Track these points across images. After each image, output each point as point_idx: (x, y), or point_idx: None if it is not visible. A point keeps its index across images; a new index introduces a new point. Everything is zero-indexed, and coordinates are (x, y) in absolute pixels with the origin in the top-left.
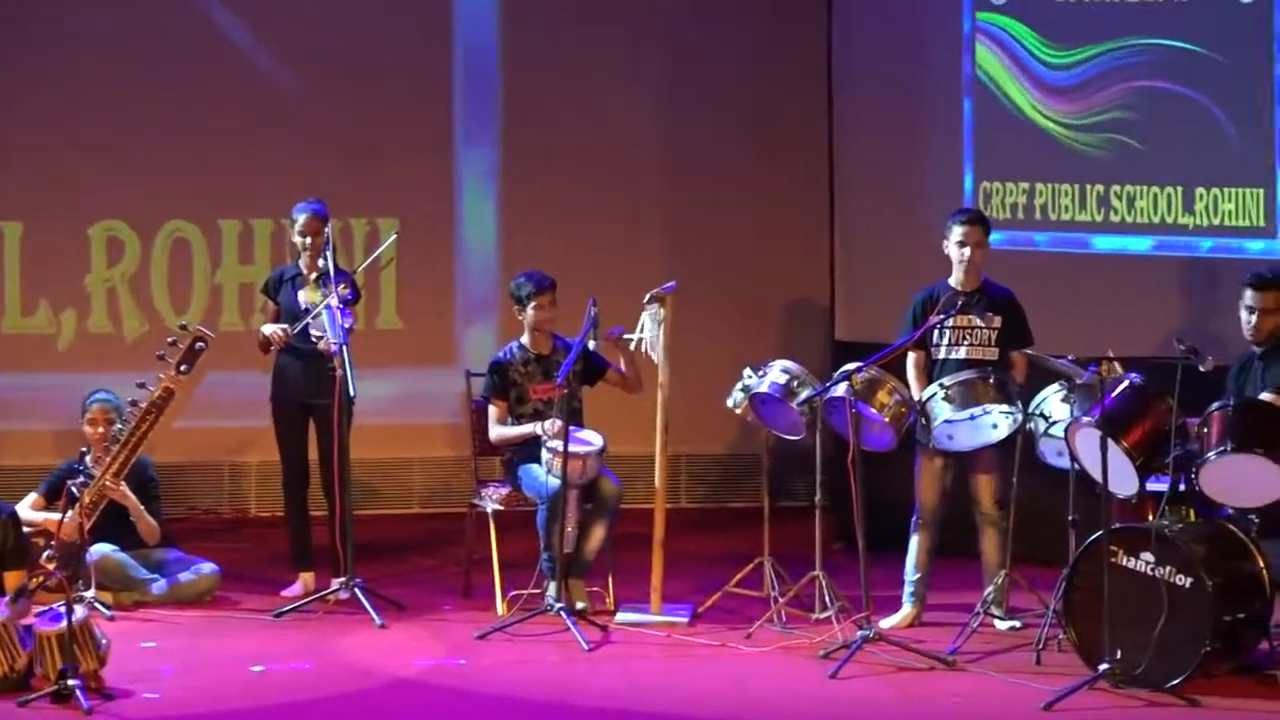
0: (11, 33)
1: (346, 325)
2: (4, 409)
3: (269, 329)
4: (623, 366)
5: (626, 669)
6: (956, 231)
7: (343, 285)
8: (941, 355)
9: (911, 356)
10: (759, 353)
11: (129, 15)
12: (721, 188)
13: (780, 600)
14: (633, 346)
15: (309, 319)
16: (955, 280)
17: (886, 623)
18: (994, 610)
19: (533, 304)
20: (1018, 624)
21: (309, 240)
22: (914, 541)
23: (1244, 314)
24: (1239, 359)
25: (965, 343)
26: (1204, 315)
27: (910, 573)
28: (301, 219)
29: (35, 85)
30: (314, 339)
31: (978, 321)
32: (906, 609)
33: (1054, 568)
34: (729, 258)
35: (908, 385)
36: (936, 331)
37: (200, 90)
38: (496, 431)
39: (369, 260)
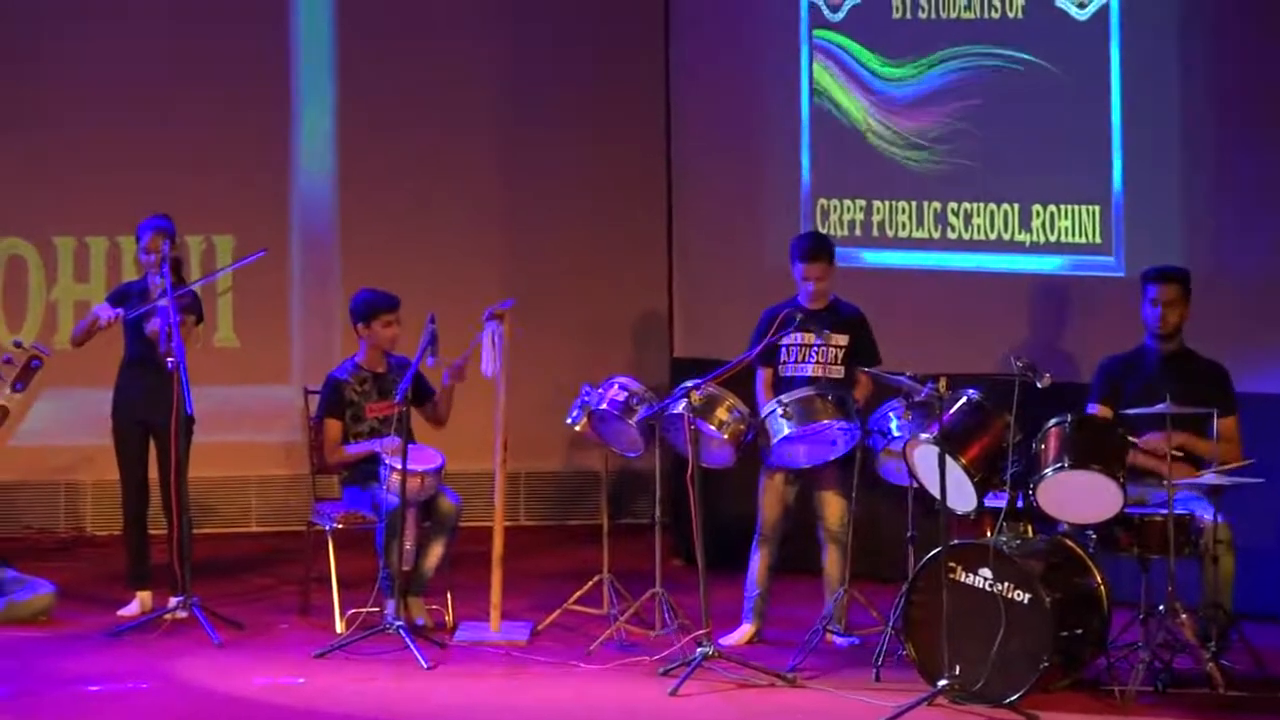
0: None
1: (178, 319)
2: None
3: (102, 309)
4: (440, 401)
5: (465, 687)
6: (798, 268)
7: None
8: (788, 373)
9: (762, 373)
10: (599, 369)
11: None
12: (560, 203)
13: (620, 618)
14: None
15: (143, 308)
16: (804, 299)
17: (727, 639)
18: (833, 627)
19: (379, 320)
20: (857, 640)
21: (154, 258)
22: (755, 558)
23: (1148, 310)
24: (1120, 359)
25: (810, 360)
26: (1042, 332)
27: (750, 589)
28: (147, 236)
29: None
30: (149, 330)
31: (821, 339)
32: (746, 625)
33: (893, 584)
34: (568, 274)
35: (757, 402)
36: (784, 349)
37: (34, 103)
38: (334, 450)
39: (234, 265)
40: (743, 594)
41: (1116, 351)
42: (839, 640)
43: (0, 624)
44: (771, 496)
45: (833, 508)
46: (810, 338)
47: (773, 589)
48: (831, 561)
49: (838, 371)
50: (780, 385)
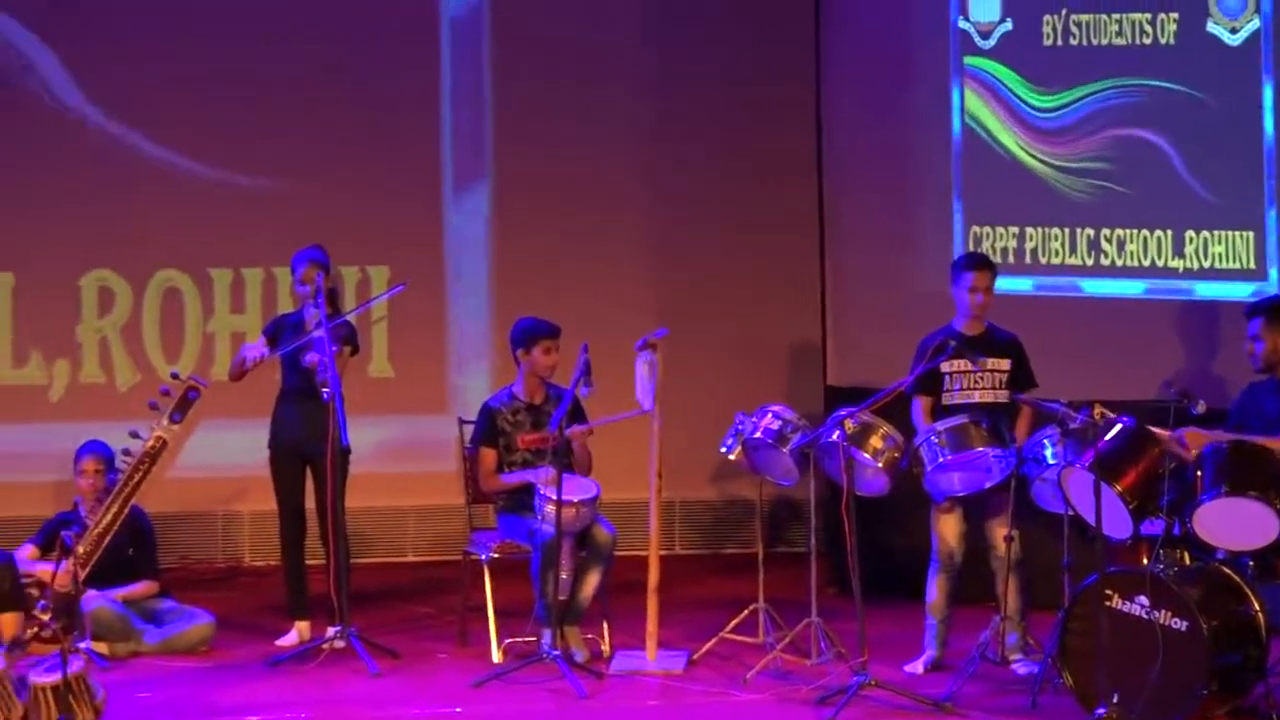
0: (4, 83)
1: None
2: None
3: (249, 349)
4: (577, 450)
5: (622, 716)
6: (966, 278)
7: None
8: (952, 400)
9: (919, 401)
10: (753, 398)
11: (114, 62)
12: (713, 233)
13: (776, 646)
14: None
15: (298, 342)
16: (961, 324)
17: (909, 667)
18: (1016, 655)
19: (540, 347)
20: (1037, 668)
21: (309, 289)
22: (933, 586)
23: (1246, 345)
24: (1242, 391)
25: (977, 387)
26: (1196, 358)
27: (932, 616)
28: (302, 267)
29: (23, 136)
30: (306, 363)
31: (978, 366)
32: (929, 653)
33: (1049, 612)
34: (722, 303)
35: (915, 429)
36: (946, 377)
37: (190, 139)
38: (489, 479)
39: (368, 303)
40: (902, 621)
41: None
42: (1019, 667)
43: (160, 654)
44: (945, 525)
45: (1000, 535)
46: (965, 365)
47: (953, 617)
48: (1006, 589)
49: (1002, 396)
50: (941, 413)
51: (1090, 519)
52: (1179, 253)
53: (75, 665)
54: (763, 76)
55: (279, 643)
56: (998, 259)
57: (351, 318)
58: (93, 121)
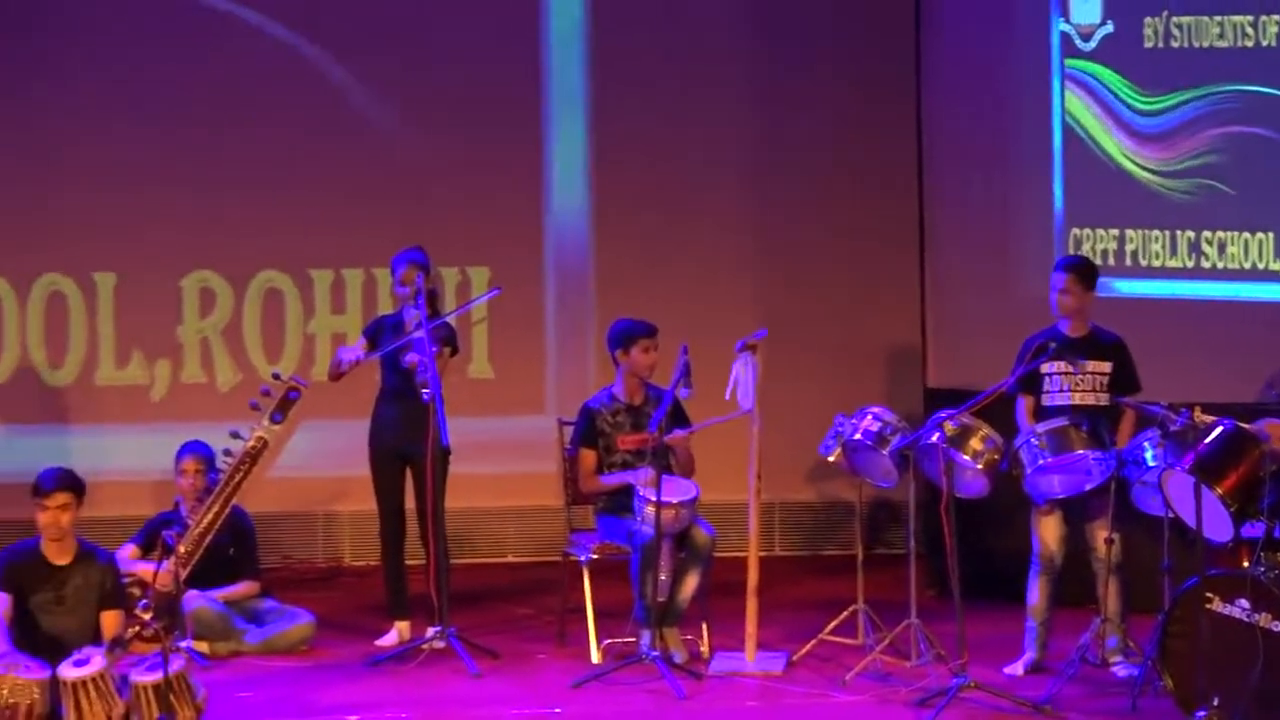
0: (106, 86)
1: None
2: (99, 459)
3: (345, 351)
4: (679, 454)
5: (721, 717)
6: (1054, 279)
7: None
8: (1049, 402)
9: (1022, 401)
10: (852, 399)
11: (225, 65)
12: (814, 235)
13: (875, 648)
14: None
15: (397, 343)
16: (1066, 326)
17: (1009, 669)
18: (1116, 658)
19: (638, 346)
20: (1138, 671)
21: (409, 290)
22: (1034, 588)
23: None
24: None
25: (1079, 389)
26: None
27: (1032, 619)
28: (402, 268)
29: (127, 136)
30: (405, 363)
31: (1077, 369)
32: (1029, 655)
33: (1149, 615)
34: (822, 305)
35: (1019, 430)
36: (1045, 378)
37: (292, 139)
38: (589, 480)
39: (467, 305)
40: (1001, 623)
41: None
42: (1119, 670)
43: (260, 654)
44: (1046, 527)
45: (1101, 538)
46: (1066, 366)
47: (1053, 619)
48: (1105, 590)
49: (1103, 399)
50: (1041, 414)
51: (1190, 522)
52: None
53: (176, 664)
54: (863, 81)
55: (379, 643)
56: (1098, 261)
57: (451, 319)
58: (191, 123)
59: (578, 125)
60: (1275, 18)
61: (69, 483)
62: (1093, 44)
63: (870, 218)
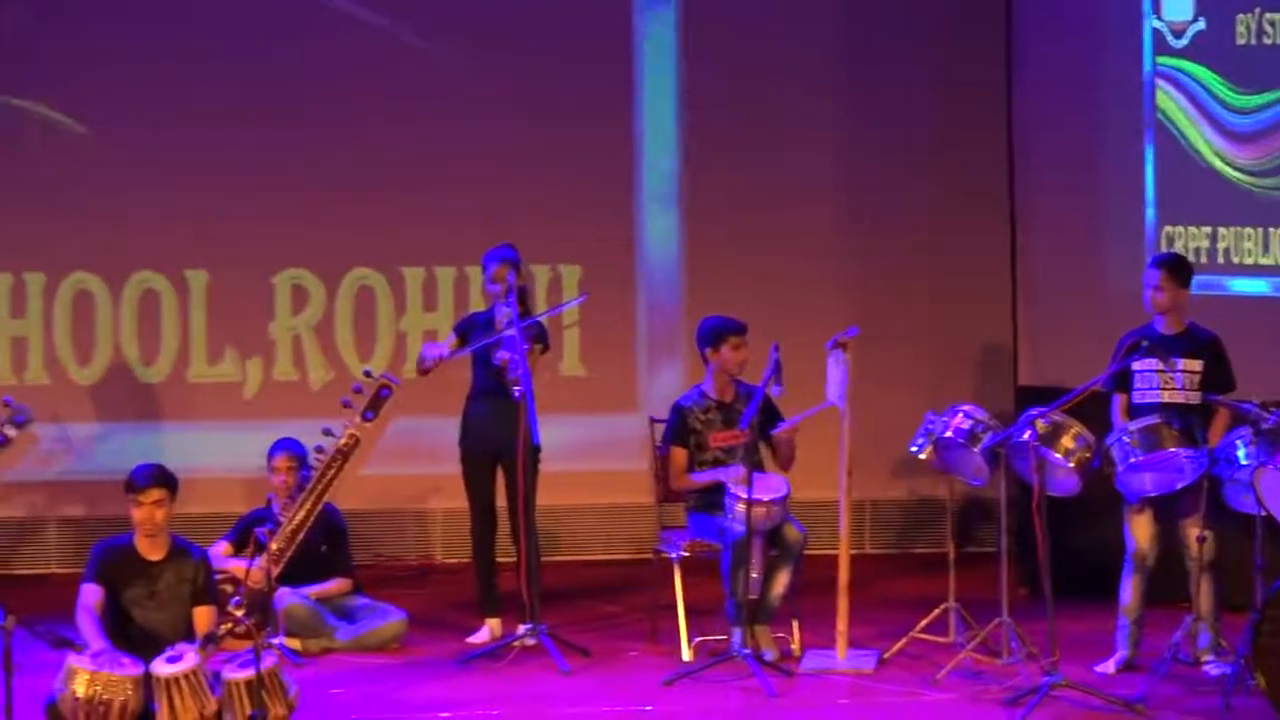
0: (202, 83)
1: (525, 348)
2: (192, 456)
3: (429, 348)
4: (780, 448)
5: (812, 715)
6: (1146, 276)
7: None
8: (1140, 400)
9: (1116, 399)
10: (943, 397)
11: (314, 64)
12: (905, 233)
13: (967, 646)
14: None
15: (486, 340)
16: (1161, 323)
17: (1100, 667)
18: (1208, 656)
19: (728, 344)
20: (1230, 669)
21: (500, 287)
22: (1127, 586)
23: None
24: None
25: (1171, 386)
26: None
27: (1124, 617)
28: (493, 266)
29: (222, 135)
30: (497, 361)
31: (1168, 366)
32: (1121, 653)
33: (1242, 613)
34: (912, 302)
35: (1111, 428)
36: (1137, 375)
37: (384, 138)
38: (679, 478)
39: (553, 310)
40: (1094, 622)
41: None
42: (1211, 668)
43: (352, 651)
44: (1138, 526)
45: (1195, 536)
46: (1158, 364)
47: (1145, 617)
48: (1198, 590)
49: (1194, 398)
50: (1134, 412)
51: None
52: None
53: (268, 661)
54: (954, 79)
55: (470, 640)
56: (1191, 259)
57: (543, 319)
58: (284, 122)
59: (669, 123)
60: None
61: (163, 479)
62: (1184, 41)
63: (962, 215)
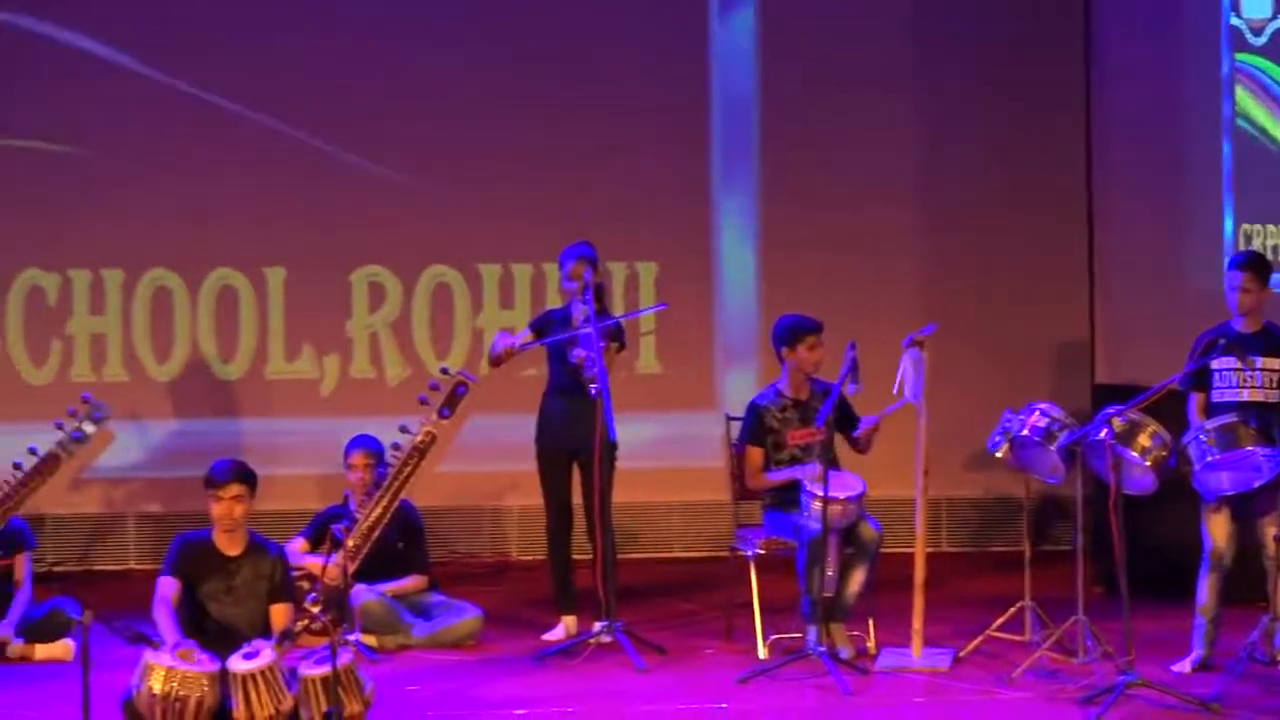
0: (279, 82)
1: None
2: (268, 453)
3: (500, 337)
4: (861, 439)
5: (888, 713)
6: (1232, 276)
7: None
8: (1219, 399)
9: (1193, 398)
10: (1019, 396)
11: (394, 61)
12: (979, 230)
13: (1042, 645)
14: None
15: (561, 335)
16: (1239, 322)
17: (1176, 666)
18: None
19: (804, 344)
20: None
21: (577, 285)
22: (1204, 585)
23: None
24: None
25: (1246, 385)
26: None
27: (1201, 616)
28: (570, 263)
29: (300, 133)
30: (573, 358)
31: (1257, 364)
32: (1196, 652)
33: None
34: (988, 300)
35: (1188, 427)
36: (1216, 374)
37: (460, 136)
38: (755, 476)
39: (631, 314)
40: (1171, 621)
41: None
42: None
43: (428, 648)
44: (1215, 524)
45: (1273, 535)
46: (1236, 362)
47: (1222, 616)
48: (1276, 589)
49: (1274, 395)
50: (1211, 410)
51: None
52: None
53: (344, 658)
54: (1031, 76)
55: (546, 637)
56: (1270, 258)
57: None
58: (361, 119)
59: (747, 124)
60: None
61: (242, 474)
62: (1263, 39)
63: (1039, 213)
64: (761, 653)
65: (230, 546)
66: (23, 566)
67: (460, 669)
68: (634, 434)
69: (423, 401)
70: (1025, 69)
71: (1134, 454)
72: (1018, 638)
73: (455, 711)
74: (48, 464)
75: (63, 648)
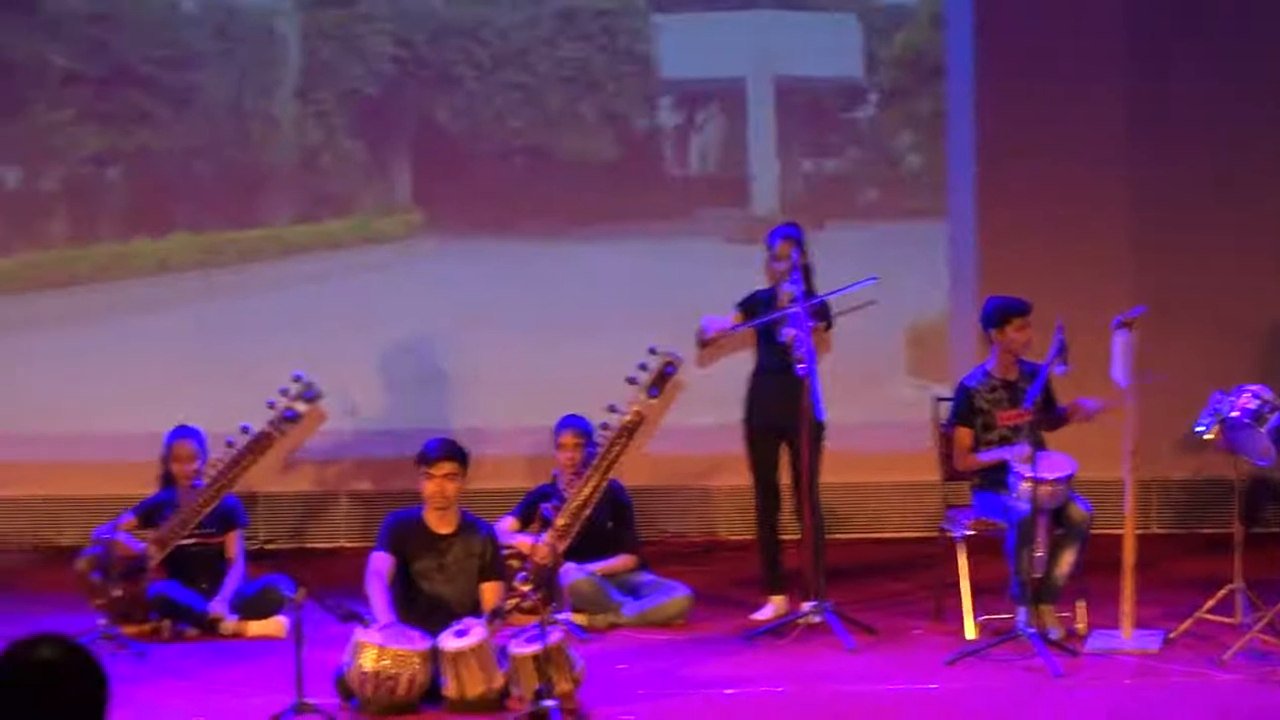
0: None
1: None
2: (480, 435)
3: (708, 321)
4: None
5: (1098, 695)
6: None
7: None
8: None
9: None
10: (1229, 377)
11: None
12: (1194, 209)
13: (1254, 627)
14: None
15: (768, 317)
16: None
17: None
18: None
19: (1013, 325)
20: None
21: (785, 265)
22: None
23: None
24: None
25: None
26: None
27: None
28: (777, 243)
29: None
30: (782, 337)
31: None
32: None
33: None
34: (1200, 281)
35: None
36: None
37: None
38: (964, 457)
39: (840, 290)
40: None
41: None
42: None
43: (637, 627)
44: None
45: None
46: None
47: None
48: None
49: None
50: None
51: None
52: None
53: (554, 636)
54: (1246, 54)
55: (755, 617)
56: None
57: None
58: None
59: (964, 115)
60: None
61: (455, 452)
62: None
63: (1252, 192)
64: (970, 633)
65: (441, 525)
66: (235, 544)
67: (669, 648)
68: (843, 414)
69: (631, 381)
70: (1237, 51)
71: None
72: (1228, 620)
73: (664, 690)
74: (260, 442)
75: (275, 624)
